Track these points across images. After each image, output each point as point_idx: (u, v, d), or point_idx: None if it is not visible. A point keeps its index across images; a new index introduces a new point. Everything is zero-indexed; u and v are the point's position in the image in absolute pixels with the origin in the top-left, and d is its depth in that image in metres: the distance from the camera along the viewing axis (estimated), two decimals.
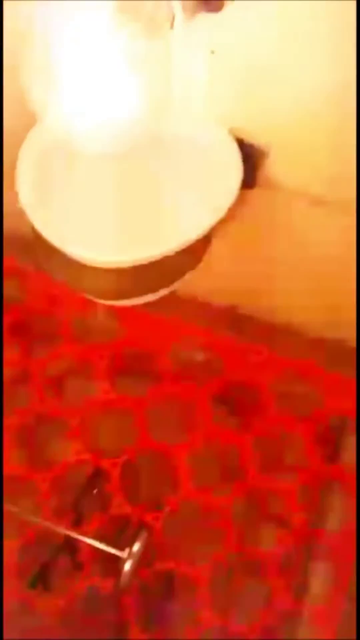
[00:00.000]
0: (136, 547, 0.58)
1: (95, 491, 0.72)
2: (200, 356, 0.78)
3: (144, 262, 0.46)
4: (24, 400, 0.73)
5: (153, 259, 0.46)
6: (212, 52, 0.45)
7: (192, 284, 0.63)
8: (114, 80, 0.36)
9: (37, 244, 0.49)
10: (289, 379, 0.72)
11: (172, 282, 0.55)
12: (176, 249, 0.46)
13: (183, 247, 0.46)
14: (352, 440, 0.70)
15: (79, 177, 0.49)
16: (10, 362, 0.74)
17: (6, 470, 0.67)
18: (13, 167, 0.50)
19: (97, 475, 0.69)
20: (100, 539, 0.64)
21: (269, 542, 0.68)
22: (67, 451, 0.70)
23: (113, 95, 0.38)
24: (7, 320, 0.75)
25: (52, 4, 0.34)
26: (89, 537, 0.63)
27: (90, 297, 0.55)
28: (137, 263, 0.46)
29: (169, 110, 0.35)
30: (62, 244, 0.46)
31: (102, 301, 0.56)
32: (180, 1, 0.39)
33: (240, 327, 0.73)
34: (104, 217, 0.50)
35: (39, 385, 0.73)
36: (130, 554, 0.58)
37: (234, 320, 0.73)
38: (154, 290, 0.54)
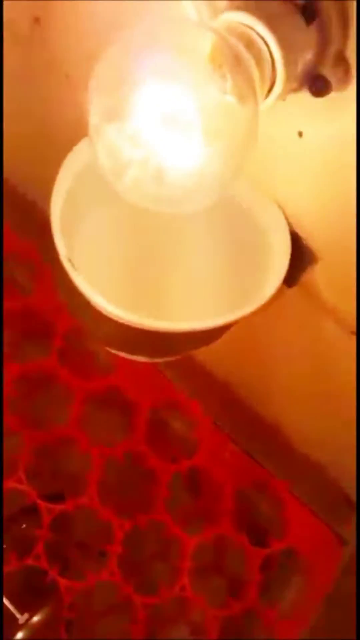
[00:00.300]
0: (36, 618, 0.52)
1: (23, 526, 0.66)
2: (177, 424, 0.72)
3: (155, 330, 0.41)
4: None
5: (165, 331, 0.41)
6: (300, 134, 0.41)
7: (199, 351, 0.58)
8: (184, 131, 0.30)
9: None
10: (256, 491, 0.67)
11: (182, 352, 0.51)
12: (194, 329, 0.41)
13: (202, 329, 0.41)
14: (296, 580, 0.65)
15: (112, 211, 0.44)
16: None
17: None
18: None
19: (33, 512, 0.63)
20: (8, 586, 0.58)
21: None
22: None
23: (179, 146, 0.32)
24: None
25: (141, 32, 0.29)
26: None
27: (94, 338, 0.50)
28: (147, 328, 0.41)
29: (233, 179, 0.30)
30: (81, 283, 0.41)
31: (106, 347, 0.51)
32: (284, 70, 0.34)
33: (231, 413, 0.68)
34: (129, 265, 0.46)
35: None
36: (26, 622, 0.52)
37: (227, 403, 0.68)
38: (161, 355, 0.49)
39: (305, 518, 0.67)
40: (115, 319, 0.41)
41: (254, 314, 0.44)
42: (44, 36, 0.54)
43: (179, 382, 0.71)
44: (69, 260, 0.41)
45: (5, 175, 0.76)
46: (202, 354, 0.72)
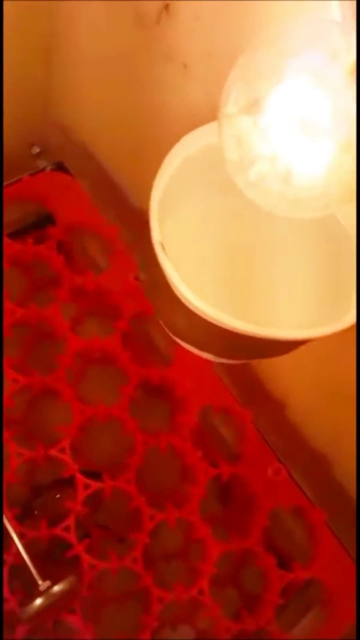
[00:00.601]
0: (57, 588, 0.53)
1: (57, 496, 0.67)
2: (224, 430, 0.72)
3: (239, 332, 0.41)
4: None
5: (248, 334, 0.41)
6: None
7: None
8: (318, 136, 0.29)
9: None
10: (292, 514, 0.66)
11: (250, 357, 0.50)
12: (274, 338, 0.41)
13: (282, 339, 0.41)
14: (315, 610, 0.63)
15: (204, 206, 0.44)
16: None
17: None
18: None
19: (69, 484, 0.64)
20: (32, 551, 0.59)
21: None
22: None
23: (310, 151, 0.31)
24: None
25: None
26: (22, 541, 0.57)
27: (166, 327, 0.50)
28: (227, 328, 0.41)
29: (352, 195, 0.29)
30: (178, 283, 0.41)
31: (176, 338, 0.51)
32: None
33: (282, 434, 0.67)
34: (216, 261, 0.45)
35: None
36: (47, 590, 0.52)
37: (280, 423, 0.67)
38: (227, 356, 0.48)
39: (336, 552, 0.65)
40: (199, 314, 0.41)
41: (335, 335, 0.43)
42: (170, 23, 0.54)
43: (235, 389, 0.70)
44: (162, 244, 0.41)
45: (100, 159, 0.78)
46: (265, 365, 0.71)
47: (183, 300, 0.42)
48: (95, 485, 0.62)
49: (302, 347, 0.47)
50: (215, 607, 0.62)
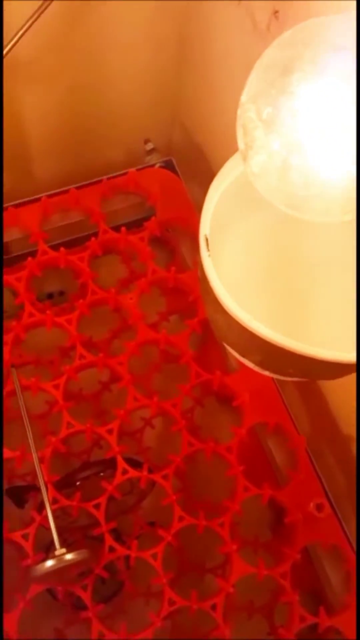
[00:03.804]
0: (69, 556, 0.54)
1: (101, 474, 0.69)
2: (277, 452, 0.69)
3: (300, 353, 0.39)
4: None
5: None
6: None
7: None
8: (331, 137, 0.28)
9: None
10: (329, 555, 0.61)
11: (300, 376, 0.48)
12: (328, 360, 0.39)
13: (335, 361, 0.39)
14: None
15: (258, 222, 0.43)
16: None
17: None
18: None
19: (111, 466, 0.66)
20: (58, 516, 0.61)
21: None
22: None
23: (317, 150, 0.29)
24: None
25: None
26: (52, 506, 0.60)
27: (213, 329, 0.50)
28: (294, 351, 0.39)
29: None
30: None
31: (220, 340, 0.50)
32: None
33: (340, 470, 0.62)
34: (268, 276, 0.44)
35: None
36: (61, 556, 0.54)
37: (342, 458, 0.62)
38: (276, 371, 0.47)
39: None
40: (227, 311, 0.40)
41: None
42: (280, 30, 0.54)
43: (297, 409, 0.67)
44: (206, 238, 0.41)
45: (211, 162, 0.79)
46: (333, 391, 0.68)
47: (216, 296, 0.41)
48: (132, 473, 0.63)
49: None
50: (226, 627, 0.60)
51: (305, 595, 0.65)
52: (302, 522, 0.62)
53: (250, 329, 0.41)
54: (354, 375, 0.56)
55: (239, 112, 0.28)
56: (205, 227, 0.43)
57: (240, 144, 0.28)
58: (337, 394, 0.69)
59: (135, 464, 0.65)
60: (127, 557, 0.61)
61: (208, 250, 0.42)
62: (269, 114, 0.26)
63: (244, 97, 0.27)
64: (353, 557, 0.61)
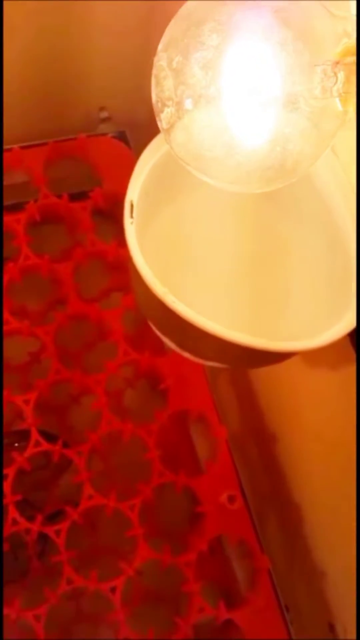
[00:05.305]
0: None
1: (15, 445, 0.67)
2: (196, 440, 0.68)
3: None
4: None
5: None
6: None
7: None
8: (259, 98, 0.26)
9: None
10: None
11: (250, 366, 0.47)
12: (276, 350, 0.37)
13: (285, 351, 0.37)
14: None
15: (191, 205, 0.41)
16: None
17: None
18: None
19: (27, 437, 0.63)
20: None
21: None
22: None
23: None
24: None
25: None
26: None
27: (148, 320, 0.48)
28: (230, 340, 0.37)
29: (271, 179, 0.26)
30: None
31: (157, 332, 0.48)
32: None
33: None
34: (210, 269, 0.43)
35: None
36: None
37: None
38: (231, 364, 0.45)
39: (270, 603, 0.59)
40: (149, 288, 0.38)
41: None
42: None
43: (228, 402, 0.66)
44: (132, 204, 0.39)
45: None
46: (264, 387, 0.67)
47: (139, 272, 0.39)
48: (45, 445, 0.61)
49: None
50: (120, 612, 0.58)
51: (215, 588, 0.64)
52: (212, 513, 0.61)
53: (165, 303, 0.39)
54: (309, 374, 0.55)
55: (154, 61, 0.26)
56: (134, 193, 0.41)
57: (153, 96, 0.26)
58: (267, 391, 0.68)
59: (50, 437, 0.63)
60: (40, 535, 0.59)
61: (132, 217, 0.40)
62: (178, 62, 0.24)
63: (160, 46, 0.25)
64: (260, 554, 0.61)
